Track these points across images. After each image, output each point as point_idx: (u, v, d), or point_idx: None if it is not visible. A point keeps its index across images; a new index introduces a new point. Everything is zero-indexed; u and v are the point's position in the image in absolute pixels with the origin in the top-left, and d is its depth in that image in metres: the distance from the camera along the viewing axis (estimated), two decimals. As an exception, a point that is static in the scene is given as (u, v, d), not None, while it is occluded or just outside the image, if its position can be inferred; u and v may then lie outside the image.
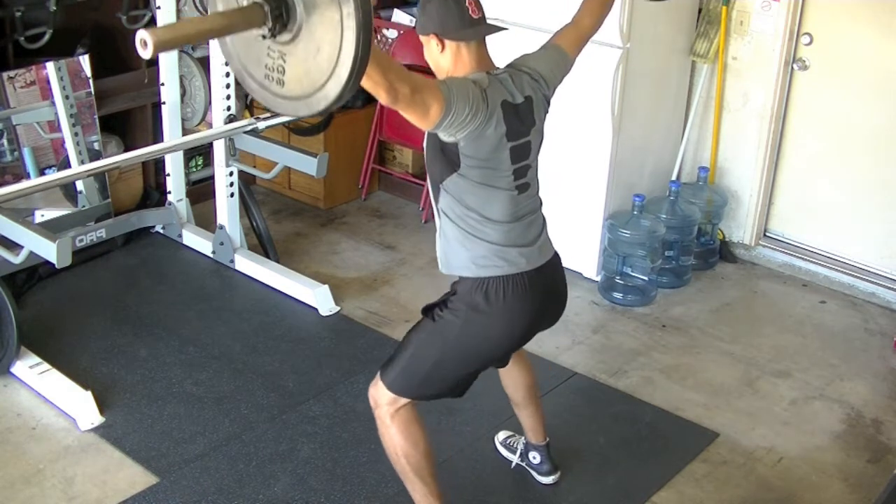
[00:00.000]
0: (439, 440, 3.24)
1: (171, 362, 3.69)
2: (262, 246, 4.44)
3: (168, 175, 4.50)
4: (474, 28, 2.49)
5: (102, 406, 3.39)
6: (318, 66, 1.87)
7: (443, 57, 2.51)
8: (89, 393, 3.38)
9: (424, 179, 4.91)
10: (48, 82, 4.22)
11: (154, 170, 4.77)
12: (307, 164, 4.03)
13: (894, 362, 3.88)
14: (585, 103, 3.82)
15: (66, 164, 4.32)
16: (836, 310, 4.26)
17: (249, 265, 4.29)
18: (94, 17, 4.58)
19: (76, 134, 4.28)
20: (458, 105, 2.31)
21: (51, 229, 3.73)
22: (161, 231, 4.61)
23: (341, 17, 1.79)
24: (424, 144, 2.54)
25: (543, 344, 3.75)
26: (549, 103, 2.64)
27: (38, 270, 4.09)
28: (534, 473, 3.13)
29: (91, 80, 4.35)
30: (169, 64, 4.32)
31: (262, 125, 4.13)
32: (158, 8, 4.21)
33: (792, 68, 4.31)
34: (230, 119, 4.16)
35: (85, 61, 4.34)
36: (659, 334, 4.02)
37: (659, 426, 3.46)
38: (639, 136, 4.30)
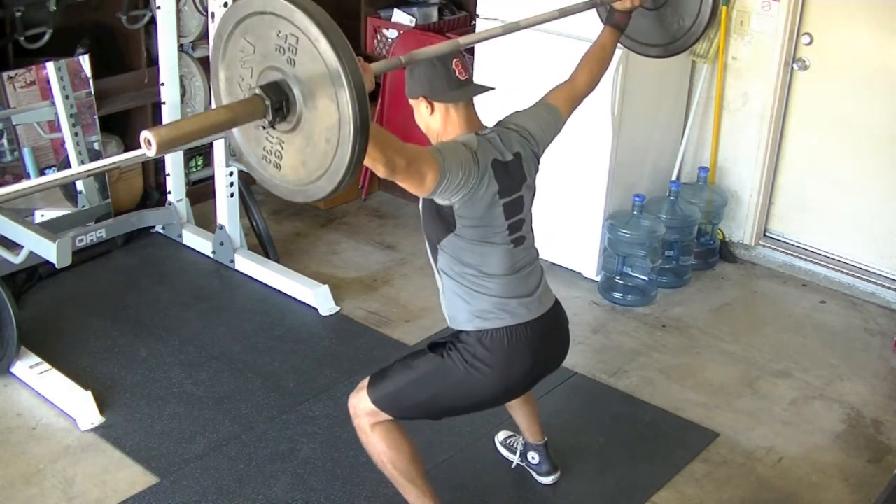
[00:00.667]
0: (439, 440, 3.25)
1: (171, 362, 3.69)
2: (262, 246, 4.44)
3: (168, 175, 4.50)
4: (462, 89, 2.54)
5: (102, 406, 3.39)
6: (314, 159, 1.91)
7: (433, 119, 2.57)
8: (89, 393, 3.38)
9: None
10: (48, 82, 4.23)
11: (154, 170, 4.77)
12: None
13: (894, 362, 3.88)
14: (585, 103, 3.78)
15: (66, 164, 4.32)
16: (836, 310, 4.26)
17: (249, 265, 4.29)
18: (94, 17, 4.59)
19: (76, 134, 4.28)
20: (452, 171, 2.36)
21: (51, 229, 3.74)
22: (161, 231, 4.60)
23: (339, 121, 1.82)
24: (420, 208, 2.58)
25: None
26: (538, 160, 2.68)
27: (38, 270, 4.09)
28: (533, 474, 3.13)
29: (91, 80, 4.36)
30: (169, 64, 4.32)
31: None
32: (158, 8, 4.21)
33: (792, 68, 4.31)
34: (230, 119, 4.15)
35: (85, 61, 4.34)
36: (659, 334, 4.02)
37: (659, 426, 3.46)
38: (639, 136, 4.30)
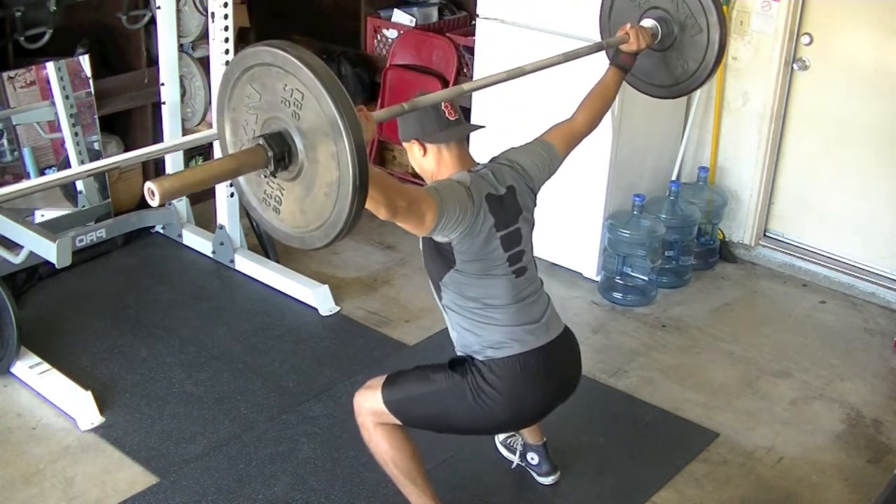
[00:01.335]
0: (439, 440, 3.24)
1: (171, 362, 3.69)
2: (262, 246, 4.44)
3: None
4: (452, 129, 2.58)
5: (102, 406, 3.39)
6: (313, 210, 1.95)
7: (426, 160, 2.61)
8: (89, 393, 3.38)
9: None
10: (48, 82, 4.23)
11: (154, 170, 4.76)
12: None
13: (894, 362, 3.88)
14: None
15: (66, 164, 4.32)
16: (836, 310, 4.26)
17: (249, 265, 4.29)
18: (94, 17, 4.59)
19: (76, 134, 4.28)
20: (450, 208, 2.40)
21: (51, 229, 3.74)
22: (161, 231, 4.60)
23: (339, 179, 1.85)
24: (421, 247, 2.62)
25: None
26: (535, 194, 2.71)
27: (38, 270, 4.09)
28: (533, 474, 3.13)
29: (91, 80, 4.36)
30: (169, 64, 4.32)
31: (262, 125, 4.13)
32: (158, 8, 4.21)
33: (792, 68, 4.31)
34: (230, 119, 4.15)
35: (85, 61, 4.34)
36: (659, 334, 4.02)
37: (659, 426, 3.46)
38: (639, 136, 4.30)
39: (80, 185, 4.33)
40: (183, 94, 4.43)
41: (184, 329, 3.90)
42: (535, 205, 2.71)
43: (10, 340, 3.47)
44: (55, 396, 3.43)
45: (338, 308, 4.09)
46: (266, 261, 4.33)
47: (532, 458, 3.11)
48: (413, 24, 5.04)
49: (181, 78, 4.40)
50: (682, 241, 4.32)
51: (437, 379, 2.63)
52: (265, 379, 3.61)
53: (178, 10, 4.27)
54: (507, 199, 2.59)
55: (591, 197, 4.21)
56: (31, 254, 3.46)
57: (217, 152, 4.70)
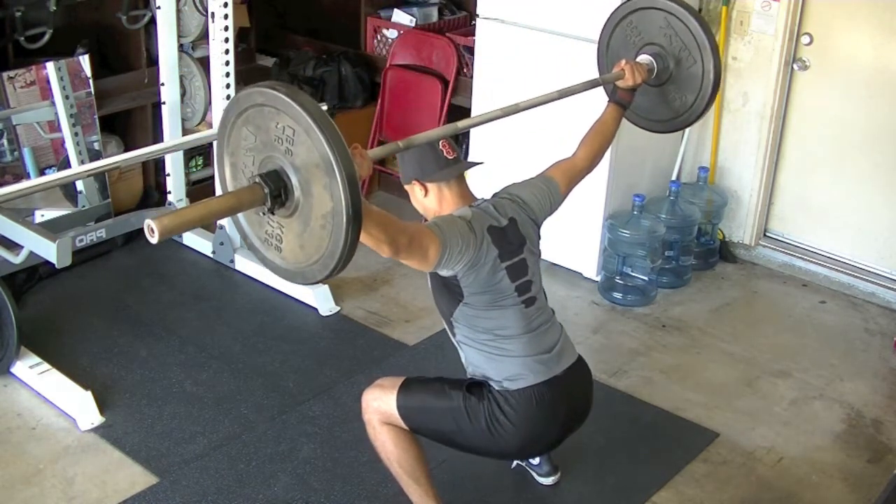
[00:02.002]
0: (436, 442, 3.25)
1: (171, 362, 3.69)
2: (262, 246, 4.43)
3: (168, 175, 4.50)
4: (451, 168, 2.62)
5: (102, 406, 3.39)
6: (312, 244, 2.00)
7: (427, 199, 2.66)
8: (89, 393, 3.38)
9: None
10: (48, 82, 4.22)
11: (154, 170, 4.77)
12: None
13: (894, 362, 3.88)
14: (585, 102, 3.79)
15: (66, 164, 4.31)
16: (836, 310, 4.26)
17: (249, 265, 4.28)
18: (94, 17, 4.59)
19: (76, 134, 4.28)
20: (452, 242, 2.44)
21: (51, 229, 3.74)
22: (161, 231, 4.59)
23: (333, 210, 1.90)
24: (429, 284, 2.66)
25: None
26: (538, 227, 2.74)
27: (38, 270, 4.09)
28: (533, 474, 3.13)
29: (91, 80, 4.35)
30: (169, 64, 4.32)
31: (262, 125, 4.13)
32: (158, 8, 4.21)
33: (792, 68, 4.31)
34: (230, 119, 4.15)
35: (85, 61, 4.33)
36: (659, 334, 4.02)
37: (659, 426, 3.46)
38: (639, 136, 4.27)
39: (80, 185, 4.33)
40: (183, 94, 4.43)
41: (184, 329, 3.90)
42: (539, 237, 2.75)
43: (10, 340, 3.47)
44: (55, 396, 3.43)
45: (338, 308, 4.09)
46: (266, 261, 4.32)
47: (532, 458, 3.11)
48: (413, 24, 5.04)
49: (181, 78, 4.40)
50: (682, 241, 4.32)
51: (455, 397, 2.65)
52: (265, 379, 3.61)
53: (178, 10, 4.27)
54: (509, 230, 2.63)
55: (591, 197, 4.20)
56: (31, 254, 3.46)
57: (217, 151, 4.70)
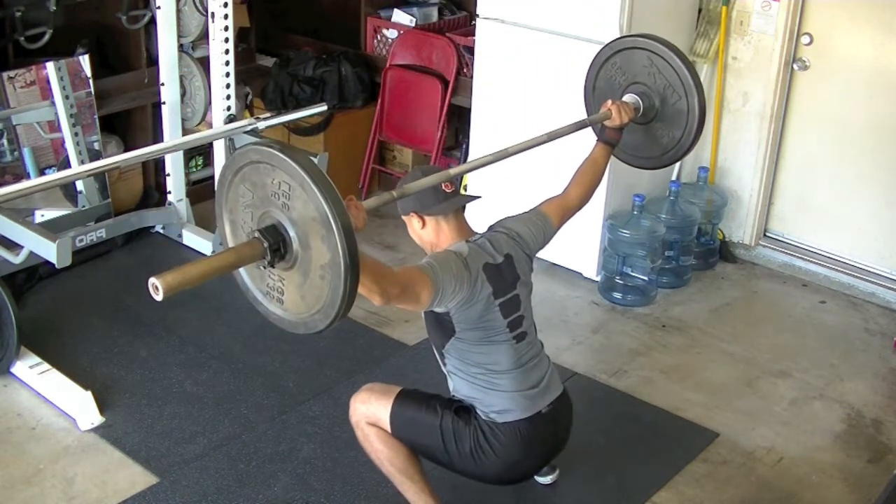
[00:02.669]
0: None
1: (171, 362, 3.69)
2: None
3: (168, 175, 4.50)
4: (449, 202, 2.64)
5: (102, 406, 3.39)
6: (312, 294, 2.05)
7: (425, 232, 2.69)
8: (89, 393, 3.38)
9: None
10: (48, 82, 4.22)
11: (154, 170, 4.77)
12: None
13: (894, 362, 3.88)
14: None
15: (66, 164, 4.31)
16: (836, 310, 4.26)
17: (249, 265, 4.28)
18: (94, 17, 4.59)
19: (76, 134, 4.28)
20: (446, 283, 2.46)
21: (51, 229, 3.73)
22: (161, 231, 4.60)
23: (331, 261, 1.96)
24: (423, 316, 2.70)
25: (543, 345, 3.75)
26: (531, 260, 2.77)
27: (38, 270, 4.09)
28: (533, 474, 3.13)
29: (91, 80, 4.35)
30: (169, 64, 4.32)
31: (262, 125, 4.13)
32: (158, 8, 4.21)
33: (792, 68, 4.31)
34: (230, 119, 4.16)
35: (85, 61, 4.33)
36: (659, 334, 4.02)
37: (659, 426, 3.46)
38: (639, 136, 4.30)
39: (80, 185, 4.32)
40: (183, 94, 4.43)
41: (184, 329, 3.90)
42: (531, 270, 2.78)
43: (10, 340, 3.47)
44: (55, 396, 3.43)
45: (338, 308, 4.08)
46: (266, 261, 4.32)
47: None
48: (413, 24, 5.04)
49: (181, 78, 4.40)
50: (682, 241, 4.32)
51: (445, 416, 2.69)
52: (265, 379, 3.61)
53: (178, 10, 4.27)
54: (504, 267, 2.66)
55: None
56: (31, 254, 3.46)
57: (217, 153, 4.73)
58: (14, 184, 3.72)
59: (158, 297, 1.90)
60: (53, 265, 3.32)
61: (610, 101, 3.03)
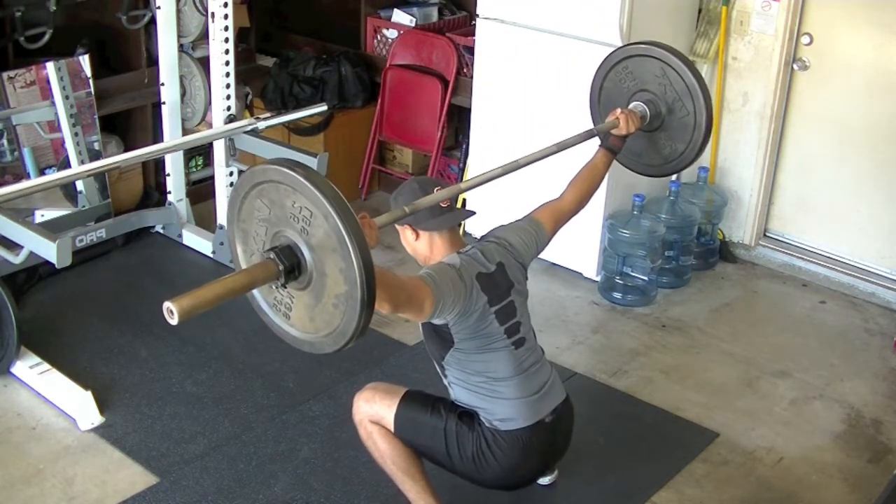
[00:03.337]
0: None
1: (171, 362, 3.69)
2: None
3: (168, 175, 4.50)
4: (444, 216, 2.64)
5: (102, 406, 3.39)
6: (322, 319, 2.04)
7: (418, 244, 2.69)
8: (89, 393, 3.38)
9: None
10: (48, 82, 4.22)
11: (154, 170, 4.77)
12: (308, 164, 4.03)
13: (894, 362, 3.88)
14: (586, 102, 3.82)
15: (66, 164, 4.31)
16: (836, 310, 4.26)
17: (249, 265, 4.28)
18: (94, 17, 4.59)
19: (76, 134, 4.28)
20: (445, 294, 2.47)
21: (51, 229, 3.73)
22: (161, 231, 4.60)
23: (348, 293, 1.94)
24: (421, 329, 2.72)
25: (543, 344, 3.74)
26: (525, 268, 2.78)
27: (38, 270, 4.09)
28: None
29: (91, 80, 4.35)
30: (169, 64, 4.32)
31: (262, 125, 4.13)
32: (158, 8, 4.21)
33: (792, 68, 4.31)
34: (230, 119, 4.16)
35: (85, 61, 4.33)
36: (659, 334, 4.02)
37: (659, 426, 3.46)
38: (639, 136, 4.30)
39: (80, 185, 4.33)
40: (183, 94, 4.43)
41: (184, 329, 3.88)
42: (525, 278, 2.79)
43: (10, 340, 3.47)
44: (55, 396, 3.43)
45: (338, 308, 4.08)
46: (266, 261, 4.32)
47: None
48: (413, 24, 5.04)
49: (181, 78, 4.40)
50: (682, 241, 4.32)
51: (449, 420, 2.70)
52: (265, 379, 3.61)
53: (178, 10, 4.27)
54: (497, 275, 2.66)
55: (591, 197, 4.21)
56: (31, 254, 3.45)
57: (217, 153, 4.73)
58: (14, 184, 3.72)
59: (174, 321, 1.87)
60: (53, 265, 3.31)
61: (619, 110, 3.02)
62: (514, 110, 4.30)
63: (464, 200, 4.64)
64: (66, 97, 4.24)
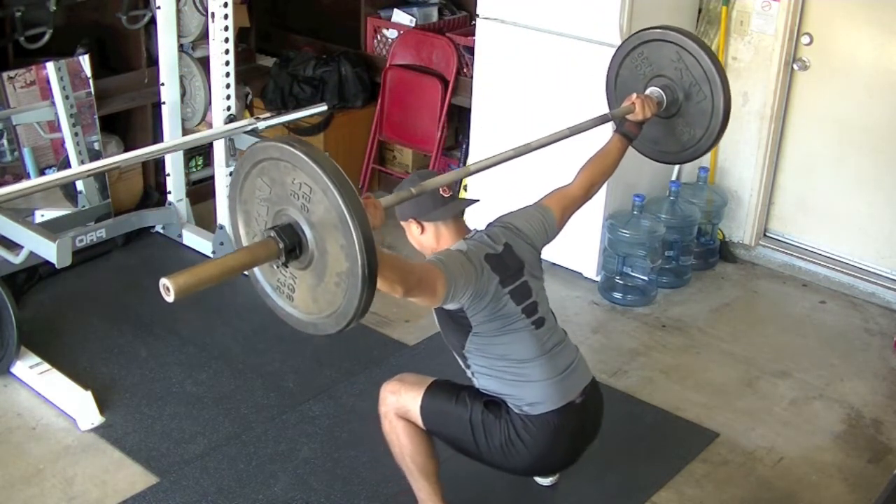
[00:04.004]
0: (439, 441, 3.24)
1: (171, 362, 3.69)
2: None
3: (168, 175, 4.50)
4: (448, 206, 2.63)
5: (102, 406, 3.39)
6: (325, 298, 2.02)
7: (424, 237, 2.66)
8: (89, 393, 3.38)
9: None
10: (48, 82, 4.22)
11: (154, 170, 4.77)
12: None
13: (894, 362, 3.88)
14: (586, 102, 3.83)
15: (66, 164, 4.31)
16: (836, 310, 4.26)
17: (249, 265, 4.28)
18: (94, 17, 4.59)
19: (76, 134, 4.28)
20: (456, 275, 2.45)
21: (51, 229, 3.73)
22: (161, 231, 4.60)
23: (349, 270, 1.92)
24: (436, 321, 2.69)
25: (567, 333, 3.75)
26: (538, 251, 2.74)
27: (38, 270, 4.09)
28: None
29: (91, 80, 4.35)
30: (169, 64, 4.32)
31: (261, 125, 4.13)
32: (158, 8, 4.21)
33: (792, 68, 4.31)
34: (230, 119, 4.16)
35: (85, 61, 4.33)
36: (659, 334, 4.02)
37: (659, 426, 3.46)
38: (639, 136, 4.30)
39: (80, 185, 4.33)
40: (183, 94, 4.43)
41: (184, 329, 3.90)
42: (540, 262, 2.75)
43: (10, 340, 3.47)
44: (55, 396, 3.43)
45: (338, 308, 4.08)
46: (266, 261, 4.32)
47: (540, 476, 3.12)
48: (413, 24, 5.04)
49: (181, 78, 4.40)
50: (682, 241, 4.32)
51: (475, 409, 2.67)
52: (265, 379, 3.61)
53: (178, 10, 4.27)
54: (505, 255, 2.64)
55: (591, 197, 4.21)
56: (31, 254, 3.46)
57: (217, 153, 4.73)
58: (14, 184, 3.72)
59: (170, 298, 1.84)
60: (53, 265, 3.32)
61: (635, 95, 2.96)
62: (514, 110, 4.30)
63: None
64: (66, 97, 4.24)
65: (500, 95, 4.37)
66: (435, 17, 5.13)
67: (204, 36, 4.20)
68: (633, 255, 4.17)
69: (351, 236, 1.88)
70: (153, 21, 4.37)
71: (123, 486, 3.08)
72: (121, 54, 4.71)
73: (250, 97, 4.96)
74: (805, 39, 4.24)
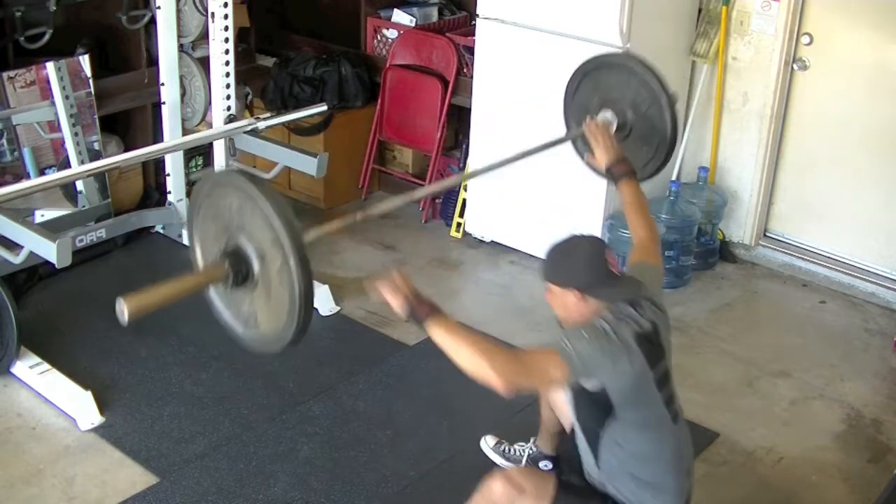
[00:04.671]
0: (439, 441, 3.25)
1: (171, 362, 3.69)
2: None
3: (168, 175, 4.50)
4: (616, 289, 2.39)
5: (102, 406, 3.39)
6: (280, 305, 2.08)
7: (576, 308, 2.40)
8: (89, 393, 3.38)
9: (424, 179, 4.92)
10: (48, 82, 4.22)
11: (154, 170, 4.77)
12: (307, 164, 4.03)
13: (894, 362, 3.88)
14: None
15: (66, 164, 4.31)
16: (836, 310, 4.26)
17: (249, 265, 4.28)
18: (94, 17, 4.59)
19: (76, 134, 4.28)
20: (586, 361, 2.21)
21: (51, 229, 3.73)
22: (161, 231, 4.60)
23: (284, 258, 2.00)
24: (570, 397, 2.45)
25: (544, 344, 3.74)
26: (667, 327, 2.50)
27: (38, 270, 4.09)
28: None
29: (91, 80, 4.35)
30: (169, 64, 4.31)
31: (261, 125, 4.13)
32: (158, 8, 4.21)
33: (792, 68, 4.31)
34: (230, 119, 4.16)
35: (85, 61, 4.33)
36: (659, 334, 4.01)
37: (659, 426, 3.45)
38: (639, 136, 4.30)
39: (80, 185, 4.32)
40: (183, 94, 4.43)
41: (184, 329, 3.89)
42: (669, 342, 2.50)
43: (10, 340, 3.47)
44: (55, 396, 3.43)
45: (338, 308, 4.09)
46: (266, 261, 4.32)
47: (545, 466, 3.10)
48: (413, 24, 5.04)
49: (181, 78, 4.39)
50: (682, 241, 4.32)
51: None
52: (265, 379, 3.61)
53: (178, 10, 4.27)
54: (653, 336, 2.38)
55: (591, 197, 4.21)
56: (31, 254, 3.46)
57: (217, 153, 4.73)
58: (14, 184, 3.72)
59: (124, 320, 2.02)
60: (53, 265, 3.32)
61: (588, 118, 2.92)
62: (514, 110, 4.30)
63: (464, 200, 4.65)
64: (66, 97, 4.24)
65: (500, 95, 4.37)
66: (435, 17, 5.13)
67: (204, 36, 4.20)
68: (633, 255, 4.17)
69: (276, 223, 1.98)
70: (153, 21, 4.36)
71: (123, 486, 3.08)
72: (121, 54, 4.71)
73: (250, 97, 4.95)
74: (805, 39, 4.24)
